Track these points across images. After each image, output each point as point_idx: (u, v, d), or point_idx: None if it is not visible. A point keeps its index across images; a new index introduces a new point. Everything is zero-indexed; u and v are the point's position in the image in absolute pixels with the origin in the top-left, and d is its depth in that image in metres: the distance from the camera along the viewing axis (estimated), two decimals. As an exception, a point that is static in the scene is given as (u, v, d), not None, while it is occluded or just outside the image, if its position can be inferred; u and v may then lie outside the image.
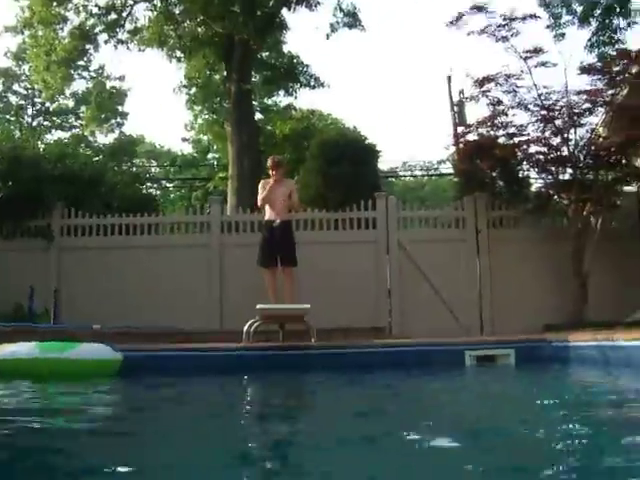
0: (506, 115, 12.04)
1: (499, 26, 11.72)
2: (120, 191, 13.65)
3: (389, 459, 2.90)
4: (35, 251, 12.14)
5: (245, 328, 9.00)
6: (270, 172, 10.06)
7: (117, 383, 6.85)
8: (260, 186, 10.21)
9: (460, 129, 15.82)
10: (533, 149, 12.01)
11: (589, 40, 18.31)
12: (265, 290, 9.91)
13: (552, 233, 11.89)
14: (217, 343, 8.99)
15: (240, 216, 12.35)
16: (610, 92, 11.45)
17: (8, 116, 42.85)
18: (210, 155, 42.42)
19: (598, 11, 18.25)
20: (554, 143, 11.85)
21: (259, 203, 10.23)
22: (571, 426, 3.69)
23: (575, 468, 2.64)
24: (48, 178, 12.39)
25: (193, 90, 24.94)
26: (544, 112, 11.63)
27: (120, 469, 2.74)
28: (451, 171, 23.60)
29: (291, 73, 22.21)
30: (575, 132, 11.69)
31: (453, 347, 8.16)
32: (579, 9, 18.77)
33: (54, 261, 12.11)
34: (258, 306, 8.99)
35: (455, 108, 25.09)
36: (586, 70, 11.60)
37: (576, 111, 11.50)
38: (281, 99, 26.16)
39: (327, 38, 21.01)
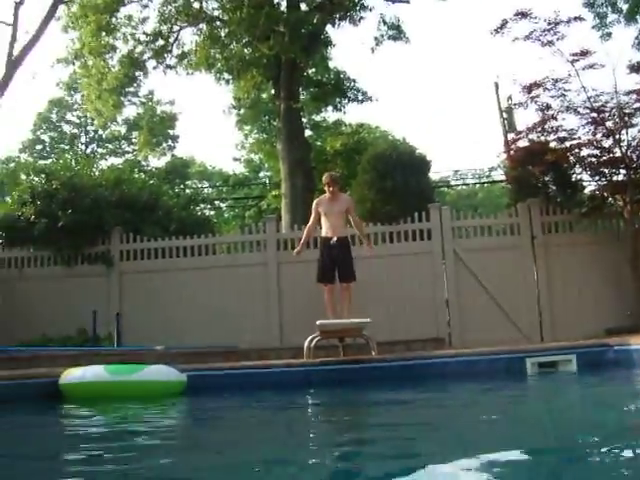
0: (556, 119, 11.95)
1: (544, 31, 11.64)
2: (176, 214, 13.85)
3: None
4: (96, 276, 12.40)
5: (306, 344, 9.06)
6: (326, 188, 10.06)
7: (183, 403, 6.96)
8: (313, 205, 10.20)
9: (510, 136, 15.73)
10: (585, 152, 11.91)
11: (637, 38, 18.11)
12: (323, 305, 9.95)
13: (608, 236, 11.77)
14: (278, 360, 9.08)
15: (295, 233, 12.43)
16: (661, 90, 11.30)
17: (63, 145, 43.76)
18: (262, 174, 42.77)
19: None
20: (606, 145, 11.74)
21: (306, 227, 10.31)
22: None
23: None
24: (106, 204, 12.65)
25: (242, 110, 25.19)
26: (594, 114, 11.53)
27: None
28: (503, 177, 23.50)
29: (338, 89, 22.28)
30: (627, 132, 11.58)
31: (514, 355, 8.10)
32: (625, 7, 18.58)
33: (115, 285, 12.35)
34: (318, 322, 9.05)
35: (504, 115, 24.94)
36: (635, 68, 11.47)
37: (627, 111, 11.38)
38: (330, 115, 26.30)
39: (372, 52, 21.14)
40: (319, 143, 23.97)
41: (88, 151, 43.93)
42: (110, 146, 45.06)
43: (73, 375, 6.98)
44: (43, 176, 13.28)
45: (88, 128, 44.77)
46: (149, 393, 6.97)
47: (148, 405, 6.59)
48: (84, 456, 3.75)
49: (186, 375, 7.28)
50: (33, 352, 9.72)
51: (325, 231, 9.95)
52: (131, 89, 26.65)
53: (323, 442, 4.07)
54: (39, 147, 44.67)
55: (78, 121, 44.96)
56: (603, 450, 3.27)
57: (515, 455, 3.20)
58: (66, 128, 45.49)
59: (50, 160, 31.83)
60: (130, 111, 37.94)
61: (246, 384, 7.56)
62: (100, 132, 44.33)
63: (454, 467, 3.02)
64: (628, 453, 3.14)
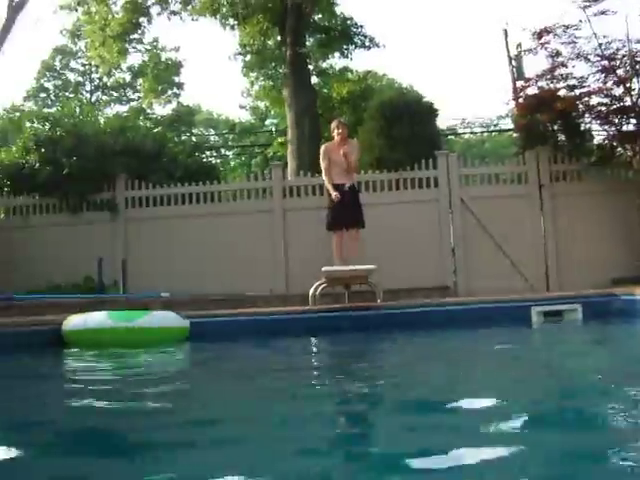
0: (566, 67, 11.77)
1: (557, -26, 11.45)
2: (181, 161, 13.77)
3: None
4: (101, 223, 12.37)
5: (311, 291, 9.08)
6: (335, 134, 9.93)
7: (185, 350, 6.98)
8: (322, 151, 10.04)
9: (519, 83, 15.50)
10: (595, 100, 11.75)
11: (650, -16, 17.76)
12: (329, 253, 9.90)
13: (617, 185, 11.67)
14: (284, 307, 9.10)
15: (301, 180, 12.37)
16: (674, 38, 11.11)
17: (67, 93, 43.49)
18: (268, 121, 42.48)
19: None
20: (616, 93, 11.58)
21: (325, 176, 9.95)
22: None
23: None
24: (111, 152, 12.58)
25: (248, 57, 24.89)
26: (605, 62, 11.36)
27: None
28: (511, 127, 23.30)
29: (345, 34, 21.97)
30: (638, 81, 11.40)
31: (519, 303, 8.11)
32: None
33: (120, 233, 12.33)
34: (323, 269, 9.05)
35: (513, 62, 24.65)
36: (648, 16, 11.29)
37: (638, 59, 11.21)
38: (336, 61, 25.98)
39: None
40: (325, 90, 23.70)
41: (92, 99, 43.63)
42: (115, 94, 44.74)
43: (75, 322, 7.01)
44: (47, 124, 13.19)
45: (92, 76, 44.42)
46: (152, 339, 7.00)
47: (149, 351, 6.60)
48: (79, 402, 3.74)
49: (189, 321, 7.30)
50: (39, 300, 9.74)
51: (336, 178, 9.79)
52: (135, 36, 26.30)
53: (322, 390, 4.06)
54: (43, 95, 44.37)
55: (82, 69, 44.59)
56: (594, 398, 3.29)
57: (501, 400, 3.20)
58: (70, 76, 45.15)
59: (54, 108, 31.57)
60: (135, 58, 37.48)
61: (249, 331, 7.58)
62: (104, 80, 43.98)
63: (445, 412, 3.01)
64: (620, 400, 3.13)
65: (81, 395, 3.95)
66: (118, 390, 4.24)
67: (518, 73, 23.29)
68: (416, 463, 2.16)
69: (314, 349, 6.94)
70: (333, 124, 10.16)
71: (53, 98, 43.98)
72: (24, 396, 4.09)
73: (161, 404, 3.58)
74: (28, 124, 14.33)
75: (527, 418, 2.83)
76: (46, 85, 44.82)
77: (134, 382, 4.61)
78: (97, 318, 7.04)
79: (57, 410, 3.55)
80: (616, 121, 11.71)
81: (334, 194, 9.61)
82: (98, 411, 3.43)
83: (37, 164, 12.26)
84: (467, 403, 3.18)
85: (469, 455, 2.20)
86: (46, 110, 28.16)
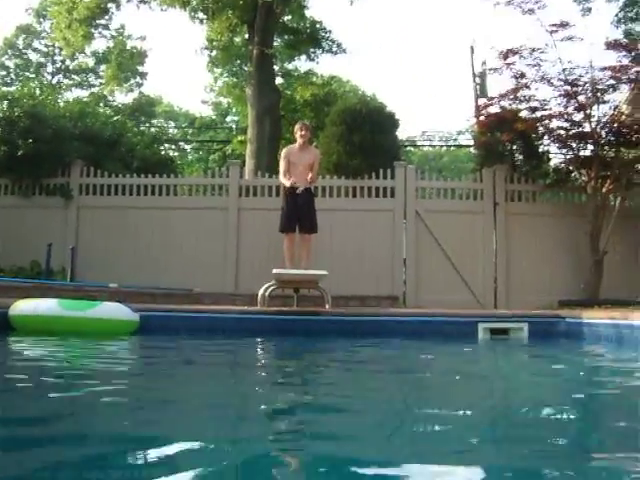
0: (529, 89, 11.90)
1: (527, -2, 11.56)
2: (139, 152, 13.65)
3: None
4: (53, 209, 12.20)
5: (260, 292, 9.07)
6: (298, 136, 9.94)
7: (132, 342, 6.92)
8: (283, 153, 10.09)
9: (482, 101, 15.69)
10: (555, 124, 11.91)
11: (616, 15, 18.10)
12: (281, 254, 9.91)
13: (570, 209, 11.86)
14: (232, 306, 9.07)
15: (258, 180, 12.34)
16: (635, 69, 11.28)
17: (28, 73, 42.84)
18: (229, 118, 42.40)
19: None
20: (576, 119, 11.74)
21: (281, 176, 10.01)
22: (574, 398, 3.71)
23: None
24: (68, 136, 12.42)
25: (214, 52, 24.80)
26: (568, 87, 11.51)
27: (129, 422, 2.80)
28: (470, 143, 23.55)
29: (313, 38, 22.00)
30: (598, 108, 11.57)
31: (466, 319, 8.18)
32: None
33: (72, 219, 12.16)
34: (274, 270, 9.05)
35: (477, 79, 24.92)
36: (612, 46, 11.43)
37: (600, 87, 11.36)
38: (302, 64, 26.01)
39: (351, 4, 20.90)
40: (289, 92, 23.72)
41: (54, 81, 43.03)
42: (77, 78, 44.18)
43: (24, 307, 6.91)
44: (5, 103, 12.95)
45: (55, 58, 43.82)
46: (101, 330, 6.94)
47: (97, 342, 6.54)
48: (22, 387, 3.69)
49: (139, 315, 7.24)
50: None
51: (291, 180, 9.82)
52: (102, 21, 26.16)
53: (264, 390, 4.06)
54: (3, 73, 43.65)
55: (45, 50, 43.97)
56: (526, 414, 3.31)
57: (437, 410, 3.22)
58: (33, 56, 44.46)
59: (14, 87, 31.13)
60: (100, 44, 37.21)
61: (198, 328, 7.57)
62: (67, 63, 43.45)
63: (385, 421, 3.02)
64: (546, 420, 3.17)
65: (32, 382, 3.90)
66: (68, 377, 4.19)
67: (481, 91, 23.56)
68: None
69: (258, 349, 6.91)
70: (297, 126, 10.18)
71: (13, 77, 43.29)
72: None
73: (112, 394, 3.53)
74: (-15, 102, 14.08)
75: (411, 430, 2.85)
76: (7, 63, 44.10)
77: (83, 372, 4.56)
78: (47, 305, 6.94)
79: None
80: (574, 146, 11.88)
81: (290, 181, 9.67)
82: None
83: (-8, 143, 12.03)
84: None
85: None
86: (5, 89, 27.78)
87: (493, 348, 7.48)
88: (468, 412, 3.28)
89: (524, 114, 12.02)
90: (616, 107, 11.62)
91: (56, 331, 6.68)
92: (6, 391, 3.64)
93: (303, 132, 9.91)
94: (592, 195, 11.50)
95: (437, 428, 2.88)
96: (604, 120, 11.57)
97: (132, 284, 10.44)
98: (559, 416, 3.21)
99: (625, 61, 11.32)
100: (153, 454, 2.28)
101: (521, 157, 12.68)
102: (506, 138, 12.13)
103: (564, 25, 11.33)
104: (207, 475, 2.07)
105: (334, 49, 21.99)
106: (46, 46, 43.55)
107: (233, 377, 4.72)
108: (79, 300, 7.43)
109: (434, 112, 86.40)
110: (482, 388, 4.27)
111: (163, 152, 17.86)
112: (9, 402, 3.33)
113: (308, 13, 22.70)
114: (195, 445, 2.43)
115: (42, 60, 44.46)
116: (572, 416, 3.30)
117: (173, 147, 38.60)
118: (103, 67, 37.89)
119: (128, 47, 32.23)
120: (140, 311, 7.35)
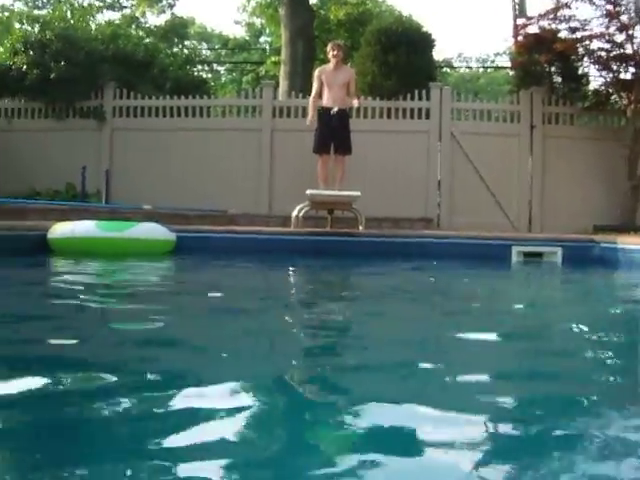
0: (569, 8, 11.59)
1: None
2: (172, 73, 13.59)
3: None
4: (87, 131, 12.24)
5: (294, 213, 9.07)
6: (331, 56, 9.81)
7: (170, 263, 7.00)
8: (316, 73, 9.98)
9: (520, 21, 15.27)
10: (595, 45, 11.63)
11: None
12: (314, 176, 9.85)
13: (608, 133, 11.66)
14: (265, 227, 9.10)
15: (292, 101, 12.24)
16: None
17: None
18: (262, 39, 41.79)
19: None
20: (618, 40, 11.43)
21: (312, 97, 9.87)
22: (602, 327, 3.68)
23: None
24: (100, 59, 12.39)
25: (248, -29, 24.41)
26: (610, 7, 11.19)
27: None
28: (508, 64, 23.09)
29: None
30: (641, 29, 11.27)
31: (501, 242, 8.13)
32: None
33: (106, 142, 12.20)
34: (308, 191, 9.02)
35: (515, -2, 24.25)
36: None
37: (643, 6, 11.05)
38: (337, -18, 25.51)
39: None
40: (323, 12, 23.29)
41: (85, 3, 42.65)
42: (108, 0, 43.76)
43: (63, 229, 6.94)
44: (37, 26, 12.88)
45: (86, -21, 43.34)
46: (139, 250, 6.98)
47: (135, 262, 6.61)
48: (62, 312, 3.73)
49: (176, 235, 7.29)
50: (21, 204, 9.64)
51: (326, 101, 9.68)
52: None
53: (296, 312, 4.08)
54: (35, -5, 43.30)
55: (76, -30, 43.48)
56: (556, 338, 3.30)
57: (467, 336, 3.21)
58: (63, -23, 44.03)
59: (45, 10, 30.83)
60: (131, -37, 36.69)
61: (234, 248, 7.60)
62: (98, -17, 42.97)
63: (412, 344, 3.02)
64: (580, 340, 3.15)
65: (73, 301, 3.95)
66: (112, 297, 4.25)
67: (520, 10, 22.89)
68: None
69: (290, 270, 6.94)
70: (329, 46, 10.04)
71: (44, 0, 42.95)
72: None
73: (150, 315, 3.56)
74: (17, 25, 13.98)
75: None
76: (38, -15, 43.68)
77: (125, 293, 4.61)
78: (85, 227, 6.97)
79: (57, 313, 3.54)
80: (615, 68, 11.61)
81: (309, 119, 9.70)
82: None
83: (24, 67, 11.99)
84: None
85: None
86: (36, 12, 27.54)
87: (527, 272, 7.46)
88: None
89: (563, 34, 11.73)
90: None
91: (94, 252, 6.73)
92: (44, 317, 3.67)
93: (335, 52, 9.76)
94: (631, 119, 11.28)
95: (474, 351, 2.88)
96: (647, 41, 11.25)
97: (166, 206, 10.49)
98: (594, 342, 3.17)
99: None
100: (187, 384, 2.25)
101: (559, 79, 12.43)
102: (544, 59, 11.86)
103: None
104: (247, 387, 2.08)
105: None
106: (77, -33, 43.05)
107: (269, 295, 4.75)
108: (117, 221, 7.48)
109: (471, 33, 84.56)
110: (520, 313, 4.24)
111: (196, 74, 17.75)
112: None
113: None
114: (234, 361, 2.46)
115: (73, -19, 44.01)
116: (610, 343, 3.26)
117: (206, 69, 38.27)
118: (135, -12, 37.41)
119: (160, -34, 31.74)
120: (177, 232, 7.40)
